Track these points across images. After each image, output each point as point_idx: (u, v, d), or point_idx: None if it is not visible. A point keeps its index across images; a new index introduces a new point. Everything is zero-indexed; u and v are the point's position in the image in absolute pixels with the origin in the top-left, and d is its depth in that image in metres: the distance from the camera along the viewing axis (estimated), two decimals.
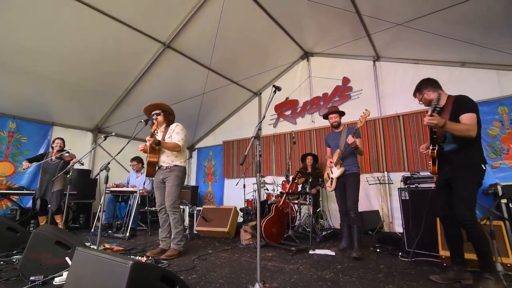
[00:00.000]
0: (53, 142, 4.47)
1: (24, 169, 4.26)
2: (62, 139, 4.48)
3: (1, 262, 2.54)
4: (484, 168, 2.13)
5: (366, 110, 3.24)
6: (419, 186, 3.30)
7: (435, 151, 2.22)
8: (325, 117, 3.71)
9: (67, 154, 4.23)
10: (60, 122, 5.66)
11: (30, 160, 4.28)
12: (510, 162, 4.07)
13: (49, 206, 4.21)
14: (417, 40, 4.36)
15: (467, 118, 2.11)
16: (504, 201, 3.35)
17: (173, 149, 3.12)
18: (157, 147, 3.10)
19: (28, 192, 4.67)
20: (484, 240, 2.05)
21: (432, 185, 3.19)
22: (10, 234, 2.99)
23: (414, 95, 2.51)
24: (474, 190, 2.13)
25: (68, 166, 4.04)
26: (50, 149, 4.47)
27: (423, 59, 4.95)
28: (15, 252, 2.83)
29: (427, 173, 3.59)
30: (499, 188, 3.48)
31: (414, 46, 4.76)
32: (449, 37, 3.87)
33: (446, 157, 2.23)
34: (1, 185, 4.85)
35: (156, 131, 3.06)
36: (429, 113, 2.05)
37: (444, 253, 2.63)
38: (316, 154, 5.61)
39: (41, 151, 5.29)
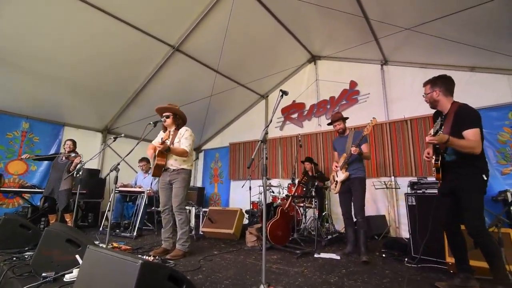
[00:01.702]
0: (65, 143, 4.61)
1: (21, 158, 4.56)
2: (73, 141, 4.60)
3: (14, 258, 2.61)
4: (486, 178, 2.09)
5: (373, 118, 3.25)
6: (426, 191, 3.27)
7: (439, 161, 2.23)
8: (331, 124, 3.74)
9: (73, 155, 4.37)
10: (71, 122, 5.80)
11: (40, 159, 4.44)
12: None
13: (57, 204, 4.32)
14: (425, 44, 4.34)
15: (471, 134, 2.06)
16: None
17: (181, 155, 3.19)
18: (166, 152, 3.17)
19: (39, 190, 4.79)
20: (494, 250, 2.01)
21: None
22: (22, 231, 3.07)
23: (425, 85, 2.41)
24: (479, 200, 2.09)
25: (71, 167, 4.19)
26: (62, 150, 4.60)
27: (432, 63, 4.91)
28: (27, 248, 2.91)
29: (434, 179, 3.58)
30: (508, 195, 3.44)
31: (422, 50, 4.73)
32: (458, 41, 3.84)
33: (449, 167, 2.23)
34: (14, 183, 4.99)
35: (166, 141, 3.11)
36: (431, 132, 2.07)
37: (451, 259, 2.60)
38: (322, 161, 5.56)
39: (52, 150, 5.44)
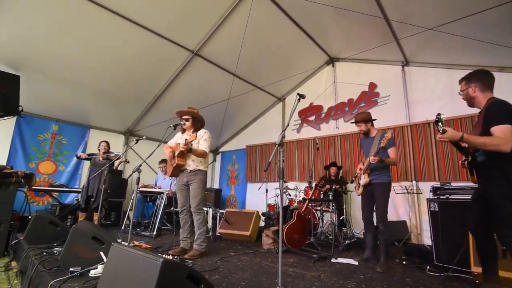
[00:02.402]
0: (99, 145, 4.84)
1: (79, 157, 4.88)
2: (107, 142, 4.86)
3: (44, 253, 2.78)
4: None
5: (389, 133, 3.12)
6: (450, 197, 3.14)
7: (466, 162, 2.11)
8: (355, 123, 3.57)
9: (113, 154, 4.65)
10: (96, 125, 6.09)
11: (85, 158, 4.84)
12: None
13: (92, 201, 4.52)
14: (449, 44, 4.19)
15: (498, 131, 1.90)
16: None
17: (201, 156, 3.28)
18: (187, 153, 3.26)
19: (71, 189, 5.09)
20: None
21: (465, 197, 3.03)
22: (51, 228, 3.27)
23: (460, 82, 2.26)
24: (510, 206, 1.93)
25: (115, 165, 4.45)
26: (97, 151, 4.83)
27: (457, 63, 4.72)
28: (55, 244, 3.08)
29: (459, 184, 3.43)
30: None
31: (446, 51, 4.57)
32: (484, 41, 3.67)
33: (480, 168, 2.10)
34: (44, 182, 5.30)
35: (191, 142, 3.17)
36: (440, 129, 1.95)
37: (476, 269, 2.48)
38: (340, 165, 5.48)
39: (79, 151, 5.73)
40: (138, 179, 3.03)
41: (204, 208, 4.69)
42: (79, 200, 4.80)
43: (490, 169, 2.01)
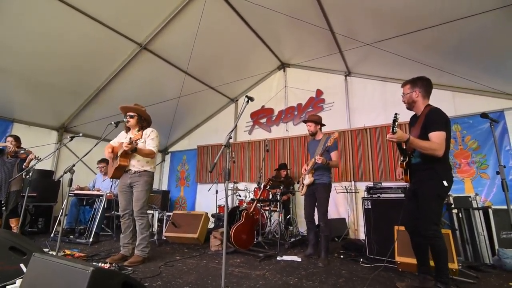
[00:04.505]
0: (5, 140, 4.12)
1: None
2: (14, 136, 4.13)
3: None
4: (446, 184, 2.13)
5: (336, 133, 3.39)
6: (381, 196, 3.51)
7: (404, 162, 2.30)
8: (305, 122, 3.75)
9: (22, 151, 4.01)
10: (22, 119, 5.30)
11: None
12: (461, 175, 4.47)
13: (3, 208, 3.92)
14: (385, 59, 4.68)
15: (435, 137, 2.10)
16: (455, 211, 3.67)
17: (148, 156, 3.10)
18: (131, 153, 3.04)
19: None
20: (444, 253, 2.10)
21: (392, 195, 3.42)
22: None
23: (403, 85, 2.42)
24: (436, 204, 2.16)
25: (25, 164, 3.83)
26: (7, 148, 4.15)
27: (390, 77, 5.32)
28: None
29: (389, 184, 3.86)
30: (450, 199, 3.81)
31: (382, 65, 5.11)
32: (411, 59, 4.20)
33: (413, 169, 2.31)
34: None
35: (136, 142, 2.95)
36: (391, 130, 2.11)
37: (399, 259, 2.83)
38: (289, 166, 5.70)
39: None
40: (71, 180, 2.73)
41: (149, 211, 4.46)
42: None
43: (423, 170, 2.23)
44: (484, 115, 2.71)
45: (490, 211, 3.40)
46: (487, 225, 3.36)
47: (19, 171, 3.91)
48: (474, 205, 3.57)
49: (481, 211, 3.45)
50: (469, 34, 3.49)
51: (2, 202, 3.91)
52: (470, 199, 3.64)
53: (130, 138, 2.91)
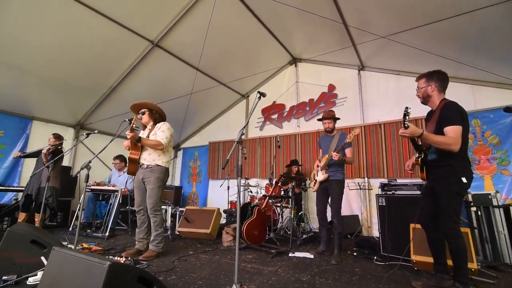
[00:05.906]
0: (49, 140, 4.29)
1: (14, 157, 4.47)
2: (56, 135, 4.28)
3: None
4: (465, 181, 2.05)
5: (357, 129, 3.26)
6: (395, 193, 3.43)
7: (420, 159, 2.24)
8: (321, 119, 3.69)
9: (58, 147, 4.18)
10: (40, 116, 5.49)
11: (28, 155, 4.30)
12: (481, 172, 4.31)
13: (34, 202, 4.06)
14: (399, 52, 4.54)
15: (450, 131, 2.03)
16: (473, 209, 3.54)
17: (154, 147, 3.06)
18: (138, 144, 3.06)
19: (7, 188, 4.56)
20: (463, 252, 2.04)
21: (408, 192, 3.34)
22: None
23: (418, 79, 2.34)
24: (455, 202, 2.08)
25: (43, 154, 4.03)
26: (47, 145, 4.28)
27: (405, 70, 5.16)
28: None
29: (404, 180, 3.76)
30: (469, 196, 3.69)
31: (396, 58, 4.96)
32: (428, 51, 4.05)
33: (430, 166, 2.24)
34: None
35: (136, 127, 2.94)
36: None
37: (415, 257, 2.75)
38: (300, 163, 5.65)
39: (19, 145, 5.14)
40: (88, 176, 2.79)
41: (163, 207, 4.54)
42: (18, 199, 4.29)
43: (440, 167, 2.15)
44: (507, 109, 2.58)
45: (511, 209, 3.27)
46: (508, 223, 3.23)
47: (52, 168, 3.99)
48: (494, 203, 3.43)
49: (501, 209, 3.31)
50: (490, 24, 3.33)
51: (31, 196, 4.05)
52: (490, 196, 3.49)
53: (130, 126, 2.87)
